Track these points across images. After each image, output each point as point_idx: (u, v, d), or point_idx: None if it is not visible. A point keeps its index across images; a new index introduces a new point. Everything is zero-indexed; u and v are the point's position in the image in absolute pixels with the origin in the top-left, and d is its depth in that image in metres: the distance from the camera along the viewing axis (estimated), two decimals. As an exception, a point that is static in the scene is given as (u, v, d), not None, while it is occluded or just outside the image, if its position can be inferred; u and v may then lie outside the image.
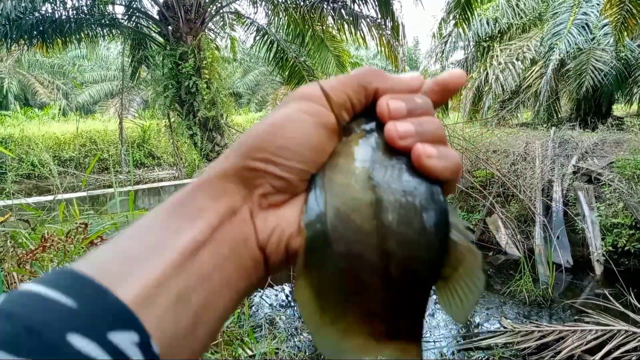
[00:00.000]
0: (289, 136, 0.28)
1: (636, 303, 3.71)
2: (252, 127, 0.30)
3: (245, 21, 8.97)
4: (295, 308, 4.49)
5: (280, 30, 8.86)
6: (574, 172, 5.93)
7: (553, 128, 7.03)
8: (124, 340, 0.21)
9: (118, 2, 8.21)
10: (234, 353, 2.63)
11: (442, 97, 0.31)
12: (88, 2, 8.01)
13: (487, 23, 9.96)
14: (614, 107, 11.08)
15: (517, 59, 9.63)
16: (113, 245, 0.26)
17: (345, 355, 0.28)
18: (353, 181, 0.27)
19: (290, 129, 0.28)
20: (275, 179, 0.28)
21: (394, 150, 0.28)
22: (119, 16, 8.38)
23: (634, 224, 5.01)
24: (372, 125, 0.29)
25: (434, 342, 3.80)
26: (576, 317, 3.83)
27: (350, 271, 0.26)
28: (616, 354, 3.15)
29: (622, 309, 3.64)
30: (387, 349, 0.28)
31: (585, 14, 8.27)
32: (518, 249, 5.23)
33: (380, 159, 0.28)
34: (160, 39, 8.04)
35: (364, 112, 0.30)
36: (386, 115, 0.29)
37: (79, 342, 0.20)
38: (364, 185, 0.27)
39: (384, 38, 8.05)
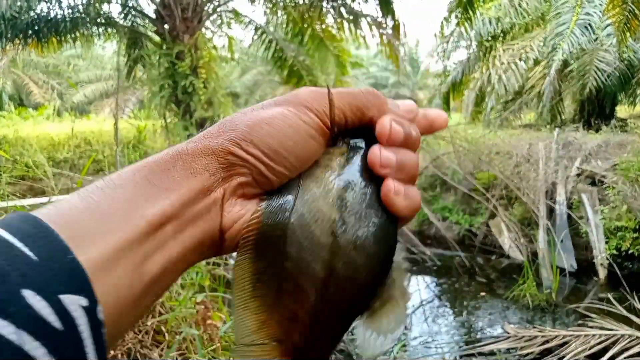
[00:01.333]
0: (286, 143, 0.29)
1: (640, 307, 3.66)
2: (249, 112, 0.30)
3: (243, 20, 8.89)
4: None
5: (279, 29, 8.81)
6: (578, 175, 5.89)
7: (557, 129, 6.98)
8: (73, 302, 0.22)
9: (114, 1, 8.15)
10: (231, 359, 2.58)
11: (424, 131, 0.34)
12: (83, 1, 7.94)
13: (490, 22, 9.92)
14: (617, 108, 11.06)
15: (520, 59, 9.60)
16: (85, 199, 0.26)
17: (249, 348, 0.29)
18: (324, 195, 0.29)
19: (288, 135, 0.29)
20: (260, 175, 0.29)
21: (368, 174, 0.30)
22: (115, 15, 8.33)
23: (637, 227, 4.99)
24: (356, 143, 0.31)
25: (436, 347, 3.75)
26: (580, 322, 3.79)
27: (293, 273, 0.28)
28: (620, 358, 3.12)
29: (626, 313, 3.62)
30: None
31: (588, 14, 8.23)
32: (521, 253, 5.20)
33: (353, 180, 0.30)
34: (157, 38, 7.99)
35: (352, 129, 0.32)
36: (385, 136, 0.30)
37: (32, 298, 0.21)
38: (332, 201, 0.29)
39: (384, 37, 7.99)
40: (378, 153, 0.29)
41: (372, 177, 0.29)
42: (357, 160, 0.30)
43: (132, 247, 0.25)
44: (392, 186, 0.29)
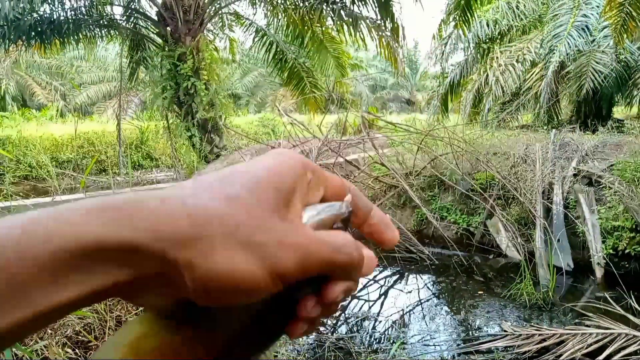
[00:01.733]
0: (233, 301, 0.25)
1: (637, 306, 3.69)
2: (229, 242, 0.24)
3: (244, 22, 8.97)
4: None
5: (280, 32, 8.88)
6: (575, 175, 5.93)
7: (553, 130, 7.04)
8: None
9: (116, 3, 8.21)
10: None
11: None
12: (86, 3, 8.00)
13: (487, 25, 9.98)
14: (614, 109, 11.11)
15: (517, 61, 9.64)
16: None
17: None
18: (243, 311, 0.30)
19: (242, 298, 0.25)
20: (191, 298, 0.25)
21: (290, 303, 0.31)
22: (117, 17, 8.39)
23: (634, 226, 5.00)
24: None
25: (434, 345, 3.78)
26: (577, 321, 3.81)
27: (184, 343, 0.29)
28: (617, 357, 3.13)
29: (623, 312, 3.61)
30: None
31: (585, 16, 8.28)
32: (518, 252, 5.22)
33: (275, 306, 0.31)
34: (159, 40, 8.04)
35: None
36: (326, 302, 0.29)
37: None
38: (250, 317, 0.30)
39: (383, 39, 8.05)
40: (309, 309, 0.29)
41: (291, 305, 0.31)
42: (287, 291, 0.30)
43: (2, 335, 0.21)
44: (299, 329, 0.30)
